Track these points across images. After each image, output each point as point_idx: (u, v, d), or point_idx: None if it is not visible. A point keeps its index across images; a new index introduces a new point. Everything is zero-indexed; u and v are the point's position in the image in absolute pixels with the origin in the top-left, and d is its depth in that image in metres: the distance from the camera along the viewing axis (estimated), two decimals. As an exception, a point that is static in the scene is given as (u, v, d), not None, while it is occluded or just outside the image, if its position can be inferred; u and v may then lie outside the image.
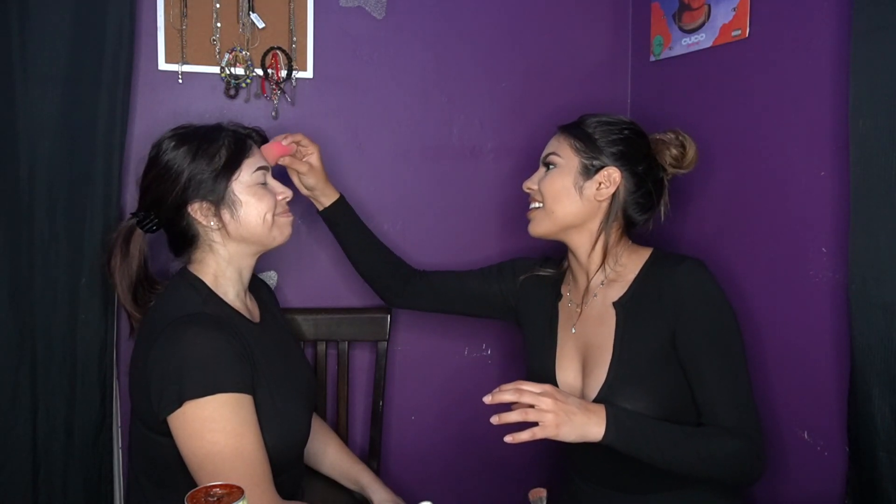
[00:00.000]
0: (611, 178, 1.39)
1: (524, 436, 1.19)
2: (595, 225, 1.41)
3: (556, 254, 1.59)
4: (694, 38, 1.65)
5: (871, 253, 1.18)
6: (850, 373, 1.24)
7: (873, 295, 1.18)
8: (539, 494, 1.17)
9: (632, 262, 1.42)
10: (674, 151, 1.43)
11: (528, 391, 1.22)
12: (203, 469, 1.18)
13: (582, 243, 1.43)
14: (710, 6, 1.60)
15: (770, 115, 1.46)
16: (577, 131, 1.42)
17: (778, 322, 1.44)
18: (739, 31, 1.52)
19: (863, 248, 1.20)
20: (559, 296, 1.52)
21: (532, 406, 1.20)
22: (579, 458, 1.46)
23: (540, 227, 1.44)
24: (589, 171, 1.39)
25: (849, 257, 1.22)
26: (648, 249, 1.43)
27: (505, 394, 1.22)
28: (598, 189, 1.39)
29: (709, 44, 1.61)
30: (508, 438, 1.20)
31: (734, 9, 1.53)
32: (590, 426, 1.22)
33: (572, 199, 1.40)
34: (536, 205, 1.45)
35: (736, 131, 1.54)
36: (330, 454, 1.58)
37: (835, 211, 1.31)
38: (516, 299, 1.59)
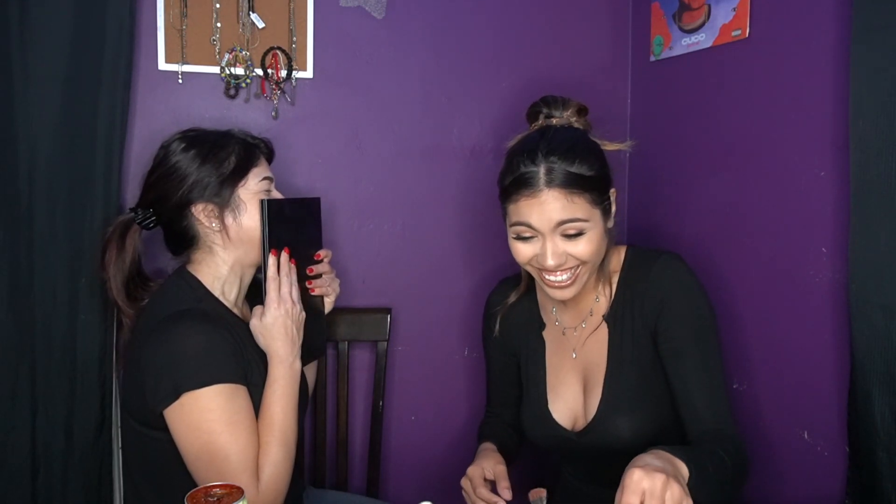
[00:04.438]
0: (616, 199, 1.31)
1: None
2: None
3: (510, 271, 1.51)
4: (694, 38, 1.65)
5: (871, 253, 1.18)
6: (850, 373, 1.24)
7: (873, 295, 1.18)
8: (539, 494, 1.17)
9: (613, 267, 1.37)
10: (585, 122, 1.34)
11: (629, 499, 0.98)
12: (199, 460, 1.19)
13: (595, 273, 1.34)
14: (710, 6, 1.60)
15: (770, 115, 1.45)
16: (581, 182, 1.23)
17: (778, 322, 1.44)
18: (739, 31, 1.51)
19: (863, 248, 1.19)
20: (541, 325, 1.45)
21: None
22: (573, 459, 1.46)
23: (580, 285, 1.30)
24: (608, 211, 1.29)
25: (849, 257, 1.22)
26: (623, 248, 1.39)
27: None
28: (612, 217, 1.31)
29: (709, 44, 1.61)
30: None
31: (734, 9, 1.53)
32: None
33: (605, 243, 1.31)
34: (569, 275, 1.27)
35: (736, 131, 1.54)
36: None
37: (835, 211, 1.30)
38: (509, 338, 1.50)
